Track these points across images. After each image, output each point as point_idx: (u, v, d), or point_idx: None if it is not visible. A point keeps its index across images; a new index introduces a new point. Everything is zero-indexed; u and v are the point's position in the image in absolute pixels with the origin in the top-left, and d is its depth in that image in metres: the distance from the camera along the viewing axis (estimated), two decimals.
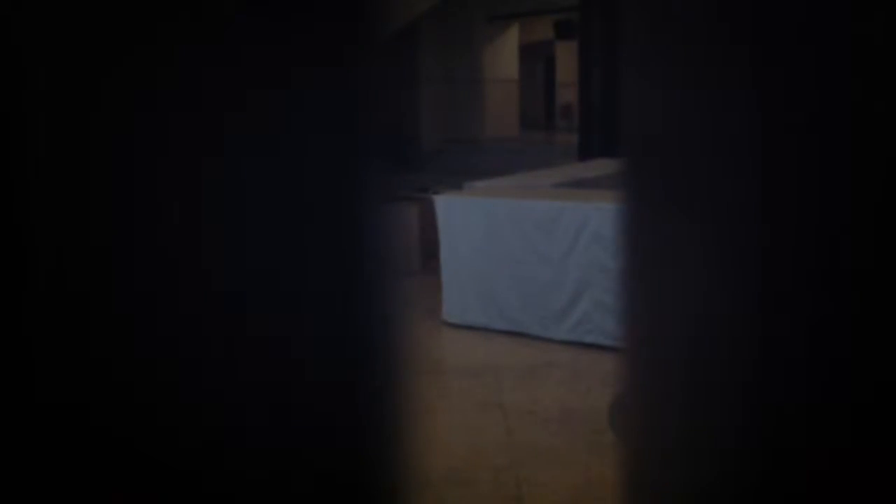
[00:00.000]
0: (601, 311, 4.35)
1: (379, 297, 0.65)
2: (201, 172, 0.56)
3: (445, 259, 4.94)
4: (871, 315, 0.54)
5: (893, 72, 0.51)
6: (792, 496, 0.58)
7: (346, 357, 0.62)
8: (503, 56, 15.70)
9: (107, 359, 0.57)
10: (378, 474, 0.67)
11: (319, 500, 0.63)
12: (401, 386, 0.68)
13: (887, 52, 0.51)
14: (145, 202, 0.56)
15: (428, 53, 13.50)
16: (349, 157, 0.61)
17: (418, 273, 5.63)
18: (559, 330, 4.51)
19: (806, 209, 0.55)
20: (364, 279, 0.63)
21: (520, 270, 4.62)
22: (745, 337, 0.58)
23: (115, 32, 0.54)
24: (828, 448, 0.56)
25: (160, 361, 0.57)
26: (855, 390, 0.55)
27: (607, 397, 3.57)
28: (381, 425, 0.67)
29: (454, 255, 4.89)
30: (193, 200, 0.56)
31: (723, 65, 0.57)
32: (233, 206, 0.57)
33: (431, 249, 5.26)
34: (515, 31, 16.06)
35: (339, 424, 0.63)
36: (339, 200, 0.60)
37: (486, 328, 4.75)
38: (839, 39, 0.53)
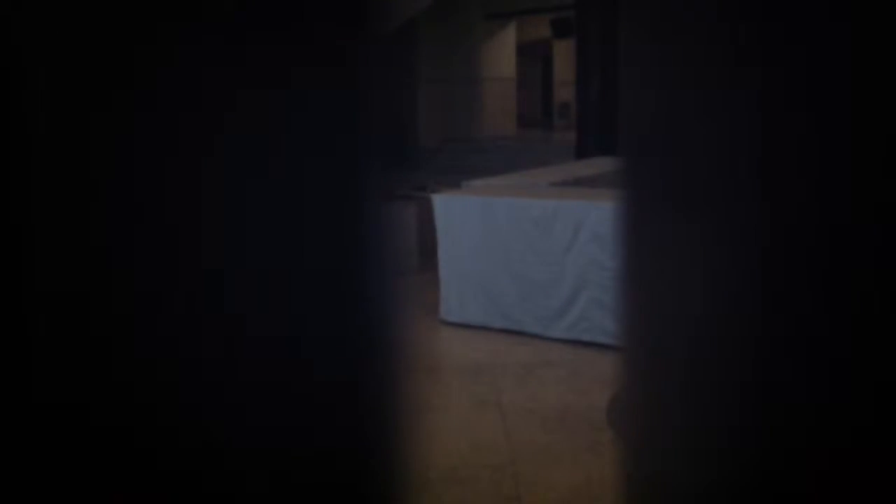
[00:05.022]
0: (599, 309, 4.35)
1: (378, 295, 0.65)
2: (201, 172, 0.56)
3: (443, 257, 4.94)
4: (871, 314, 0.54)
5: (894, 71, 0.51)
6: (792, 496, 0.58)
7: (344, 356, 0.62)
8: (500, 55, 15.71)
9: (107, 359, 0.57)
10: (377, 473, 0.67)
11: (319, 499, 0.63)
12: (399, 384, 0.68)
13: (887, 51, 0.51)
14: (145, 202, 0.56)
15: (425, 52, 13.50)
16: (348, 157, 0.61)
17: (416, 271, 5.63)
18: (557, 328, 4.51)
19: (806, 209, 0.55)
20: (363, 278, 0.63)
21: (518, 269, 4.62)
22: (744, 336, 0.58)
23: (115, 32, 0.54)
24: (828, 448, 0.56)
25: (160, 361, 0.57)
26: (855, 390, 0.55)
27: (606, 396, 3.57)
28: (380, 424, 0.67)
29: (452, 254, 4.89)
30: (193, 200, 0.56)
31: (722, 64, 0.57)
32: (233, 205, 0.57)
33: (429, 248, 5.26)
34: (513, 30, 16.07)
35: (339, 423, 0.63)
36: (339, 199, 0.60)
37: (484, 326, 4.75)
38: (839, 38, 0.53)
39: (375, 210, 0.63)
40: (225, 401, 0.58)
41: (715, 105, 0.58)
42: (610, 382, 3.65)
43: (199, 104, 0.55)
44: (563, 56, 16.55)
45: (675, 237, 0.62)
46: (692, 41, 0.59)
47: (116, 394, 0.58)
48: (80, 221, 0.56)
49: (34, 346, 0.58)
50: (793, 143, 0.55)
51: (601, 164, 6.42)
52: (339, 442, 0.63)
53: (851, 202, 0.53)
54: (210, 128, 0.56)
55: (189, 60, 0.55)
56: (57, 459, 0.58)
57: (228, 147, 0.56)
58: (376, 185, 0.63)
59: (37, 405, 0.58)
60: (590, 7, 9.25)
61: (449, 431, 3.34)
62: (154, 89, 0.54)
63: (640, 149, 0.67)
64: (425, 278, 5.15)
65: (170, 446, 0.58)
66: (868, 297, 0.53)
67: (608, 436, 3.22)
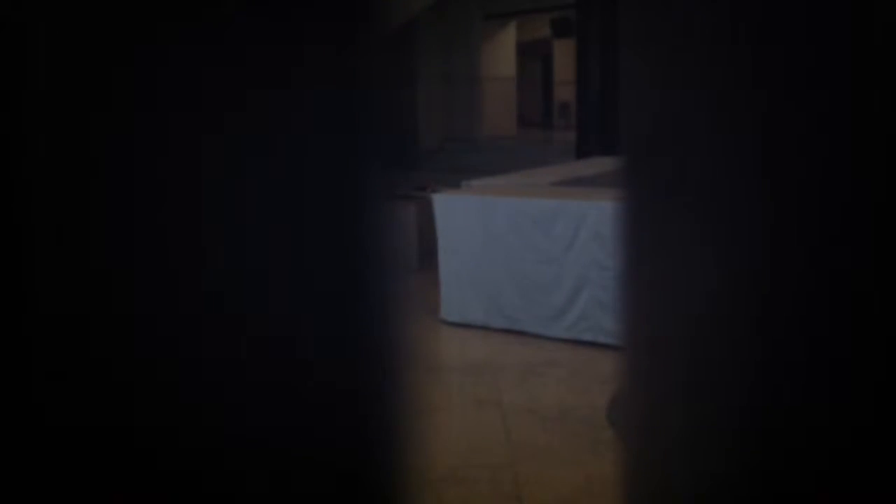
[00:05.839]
0: (599, 309, 4.35)
1: (379, 295, 0.65)
2: (201, 172, 0.56)
3: (443, 257, 4.94)
4: (872, 315, 0.54)
5: (894, 72, 0.51)
6: (792, 496, 0.58)
7: (345, 356, 0.62)
8: (501, 54, 15.73)
9: (107, 359, 0.57)
10: (377, 473, 0.67)
11: (320, 500, 0.63)
12: (400, 385, 0.68)
13: (887, 52, 0.51)
14: (145, 202, 0.56)
15: (426, 52, 13.51)
16: (349, 157, 0.61)
17: (416, 271, 5.63)
18: (557, 328, 4.51)
19: (807, 209, 0.55)
20: (364, 278, 0.63)
21: (518, 268, 4.63)
22: (745, 336, 0.58)
23: (115, 32, 0.54)
24: (828, 448, 0.56)
25: (160, 361, 0.57)
26: (855, 390, 0.55)
27: (606, 395, 3.57)
28: (381, 424, 0.67)
29: (452, 254, 4.89)
30: (193, 200, 0.56)
31: (723, 63, 0.57)
32: (233, 205, 0.57)
33: (429, 248, 5.26)
34: (513, 30, 16.08)
35: (339, 423, 0.63)
36: (339, 199, 0.60)
37: (485, 326, 4.76)
38: (840, 38, 0.53)
39: (376, 210, 0.63)
40: (225, 401, 0.58)
41: (717, 103, 0.58)
42: (610, 382, 3.65)
43: (198, 104, 0.55)
44: (563, 56, 16.55)
45: (675, 236, 0.63)
46: (694, 39, 0.59)
47: (116, 394, 0.58)
48: (80, 221, 0.56)
49: (34, 345, 0.58)
50: (794, 143, 0.55)
51: (601, 164, 6.42)
52: (340, 442, 0.63)
53: (853, 202, 0.53)
54: (210, 128, 0.56)
55: (189, 60, 0.55)
56: (57, 459, 0.58)
57: (228, 147, 0.56)
58: (377, 186, 0.63)
59: (36, 405, 0.58)
60: (590, 7, 9.25)
61: (449, 431, 3.34)
62: (153, 89, 0.54)
63: (641, 148, 0.67)
64: (425, 278, 5.14)
65: (170, 446, 0.58)
66: (869, 296, 0.54)
67: (608, 436, 3.22)
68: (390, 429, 0.68)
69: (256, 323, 0.58)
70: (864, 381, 0.54)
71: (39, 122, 0.55)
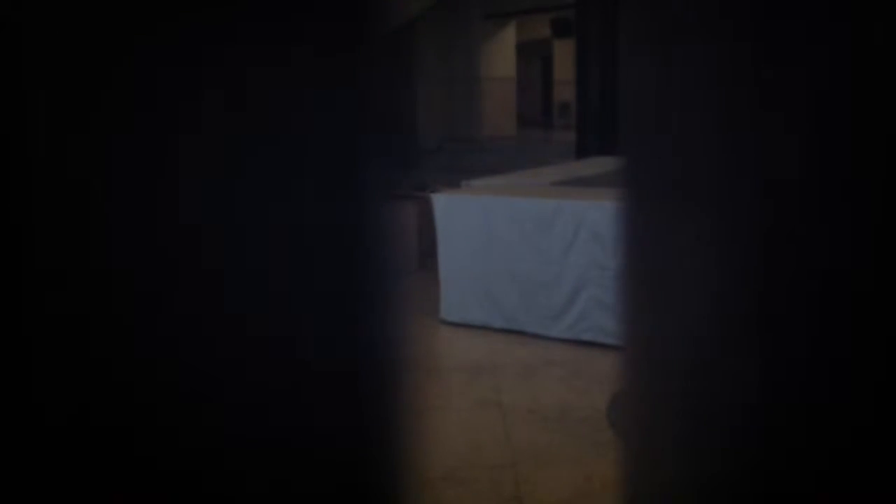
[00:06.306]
0: (599, 309, 4.35)
1: (379, 296, 0.65)
2: (201, 172, 0.56)
3: (443, 257, 4.94)
4: (873, 314, 0.54)
5: (893, 71, 0.51)
6: (792, 496, 0.58)
7: (345, 356, 0.62)
8: (500, 54, 15.72)
9: (107, 359, 0.57)
10: (377, 473, 0.67)
11: (320, 500, 0.63)
12: (399, 385, 0.68)
13: (889, 50, 0.51)
14: (145, 201, 0.56)
15: (425, 52, 13.51)
16: (349, 156, 0.61)
17: (416, 271, 5.63)
18: (557, 328, 4.51)
19: (808, 207, 0.55)
20: (364, 278, 0.63)
21: (518, 268, 4.62)
22: (745, 335, 0.58)
23: (115, 32, 0.54)
24: (828, 448, 0.56)
25: (160, 361, 0.57)
26: (855, 390, 0.55)
27: (606, 396, 3.57)
28: (381, 424, 0.67)
29: (452, 254, 4.89)
30: (193, 200, 0.56)
31: (723, 61, 0.57)
32: (233, 205, 0.57)
33: (429, 248, 5.26)
34: (513, 30, 16.08)
35: (339, 424, 0.63)
36: (339, 199, 0.60)
37: (484, 326, 4.76)
38: (840, 35, 0.53)
39: (376, 210, 0.63)
40: (225, 401, 0.58)
41: (717, 102, 0.58)
42: (610, 382, 3.65)
43: (199, 104, 0.55)
44: (563, 56, 16.55)
45: (675, 235, 0.63)
46: (693, 37, 0.59)
47: (116, 394, 0.58)
48: (80, 221, 0.56)
49: (34, 345, 0.58)
50: (794, 143, 0.55)
51: (601, 164, 6.42)
52: (340, 442, 0.63)
53: (853, 199, 0.53)
54: (210, 128, 0.56)
55: (189, 60, 0.55)
56: (57, 459, 0.58)
57: (229, 146, 0.56)
58: (377, 185, 0.63)
59: (37, 405, 0.58)
60: (590, 7, 9.25)
61: (449, 431, 3.34)
62: (153, 89, 0.54)
63: (641, 147, 0.67)
64: (425, 278, 5.14)
65: (170, 446, 0.58)
66: (869, 295, 0.54)
67: (608, 436, 3.22)
68: (390, 429, 0.68)
69: (256, 323, 0.58)
70: (864, 381, 0.54)
71: (39, 122, 0.55)
